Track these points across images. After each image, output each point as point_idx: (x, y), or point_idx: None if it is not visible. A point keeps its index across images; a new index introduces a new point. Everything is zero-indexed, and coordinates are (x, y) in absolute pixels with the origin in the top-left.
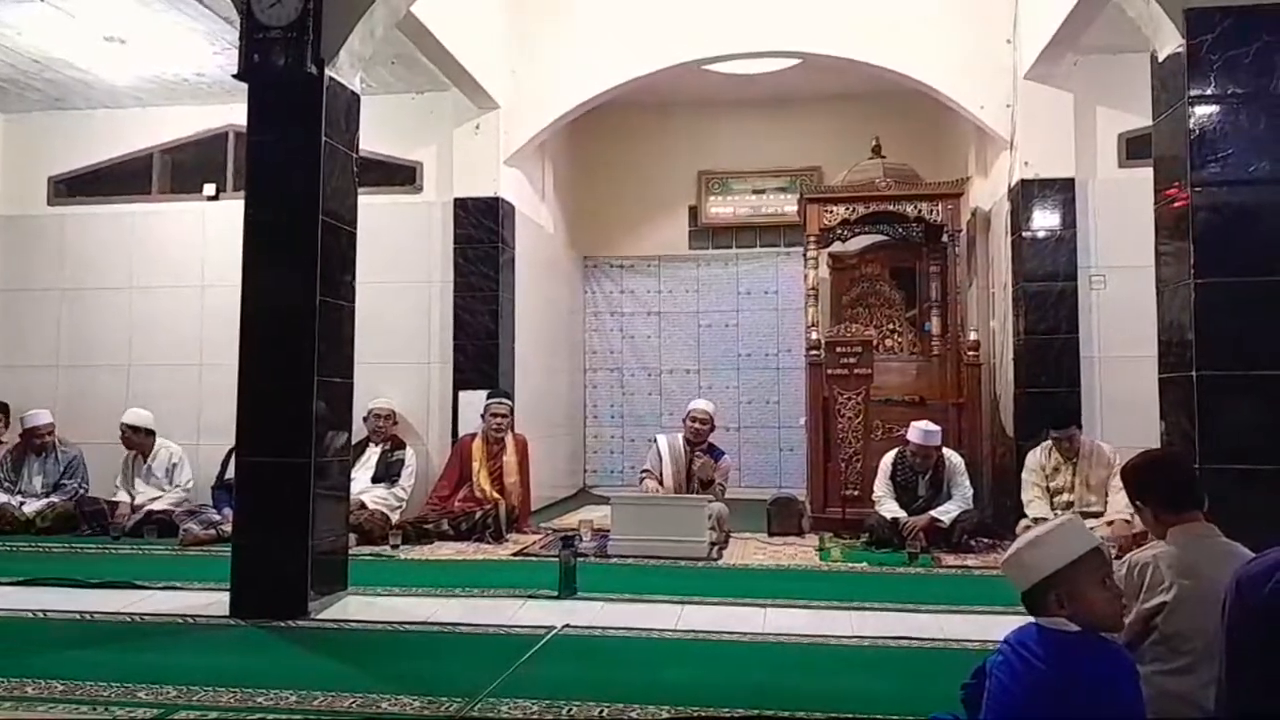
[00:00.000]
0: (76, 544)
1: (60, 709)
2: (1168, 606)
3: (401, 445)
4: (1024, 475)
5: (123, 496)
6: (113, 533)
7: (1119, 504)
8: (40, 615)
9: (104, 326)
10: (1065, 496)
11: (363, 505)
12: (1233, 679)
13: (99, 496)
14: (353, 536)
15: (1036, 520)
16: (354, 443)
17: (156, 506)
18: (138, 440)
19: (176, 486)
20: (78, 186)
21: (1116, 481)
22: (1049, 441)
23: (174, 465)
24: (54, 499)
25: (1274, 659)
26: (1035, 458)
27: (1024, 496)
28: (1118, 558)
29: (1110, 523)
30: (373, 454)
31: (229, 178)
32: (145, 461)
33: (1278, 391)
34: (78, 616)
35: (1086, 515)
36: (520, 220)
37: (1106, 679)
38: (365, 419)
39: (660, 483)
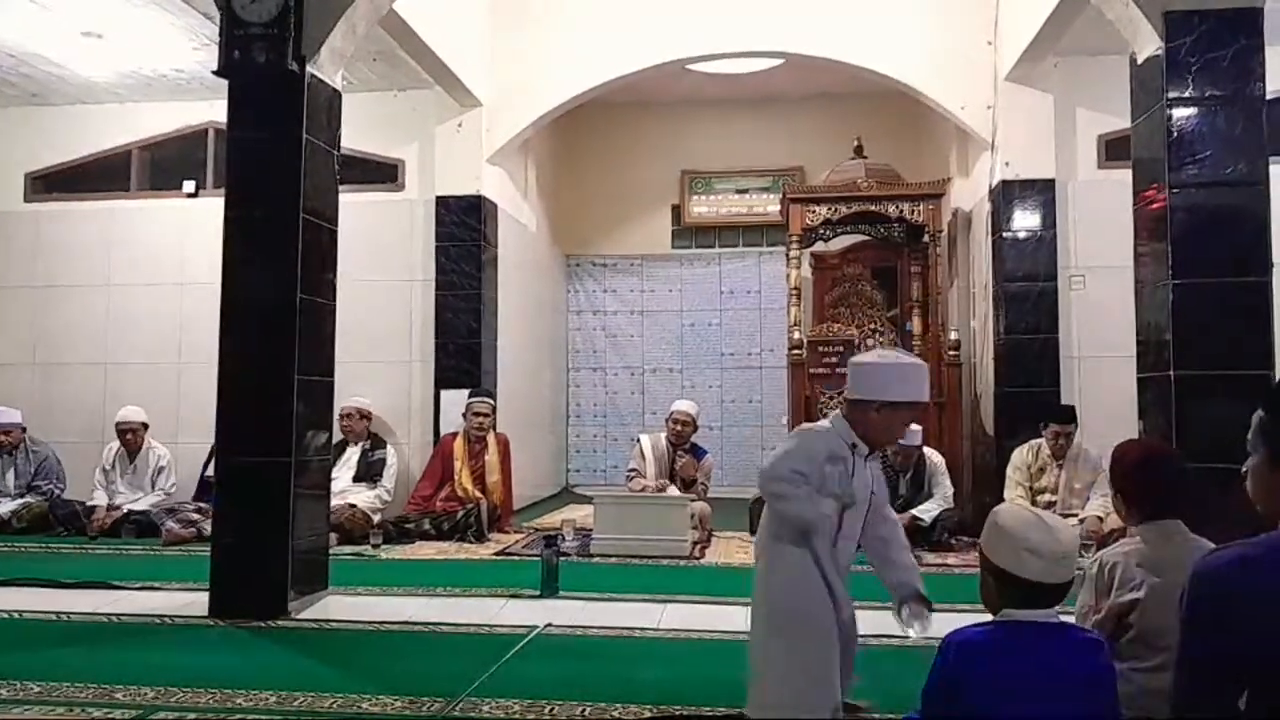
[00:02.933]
0: (53, 544)
1: (36, 710)
2: (1140, 604)
3: (382, 444)
4: (1008, 472)
5: (100, 498)
6: (90, 533)
7: (1095, 504)
8: (15, 616)
9: (80, 325)
10: (1048, 497)
11: (353, 505)
12: (1180, 669)
13: (73, 499)
14: (333, 536)
15: None
16: (334, 442)
17: (137, 507)
18: (138, 435)
19: (159, 490)
20: (55, 183)
21: (1099, 486)
22: (1037, 440)
23: (161, 469)
24: (29, 499)
25: (1221, 653)
26: (1021, 456)
27: (1006, 494)
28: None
29: (1082, 520)
30: (353, 453)
31: (209, 175)
32: (132, 461)
33: (1255, 391)
34: (54, 617)
35: (1065, 517)
36: (503, 219)
37: (1085, 671)
38: (339, 418)
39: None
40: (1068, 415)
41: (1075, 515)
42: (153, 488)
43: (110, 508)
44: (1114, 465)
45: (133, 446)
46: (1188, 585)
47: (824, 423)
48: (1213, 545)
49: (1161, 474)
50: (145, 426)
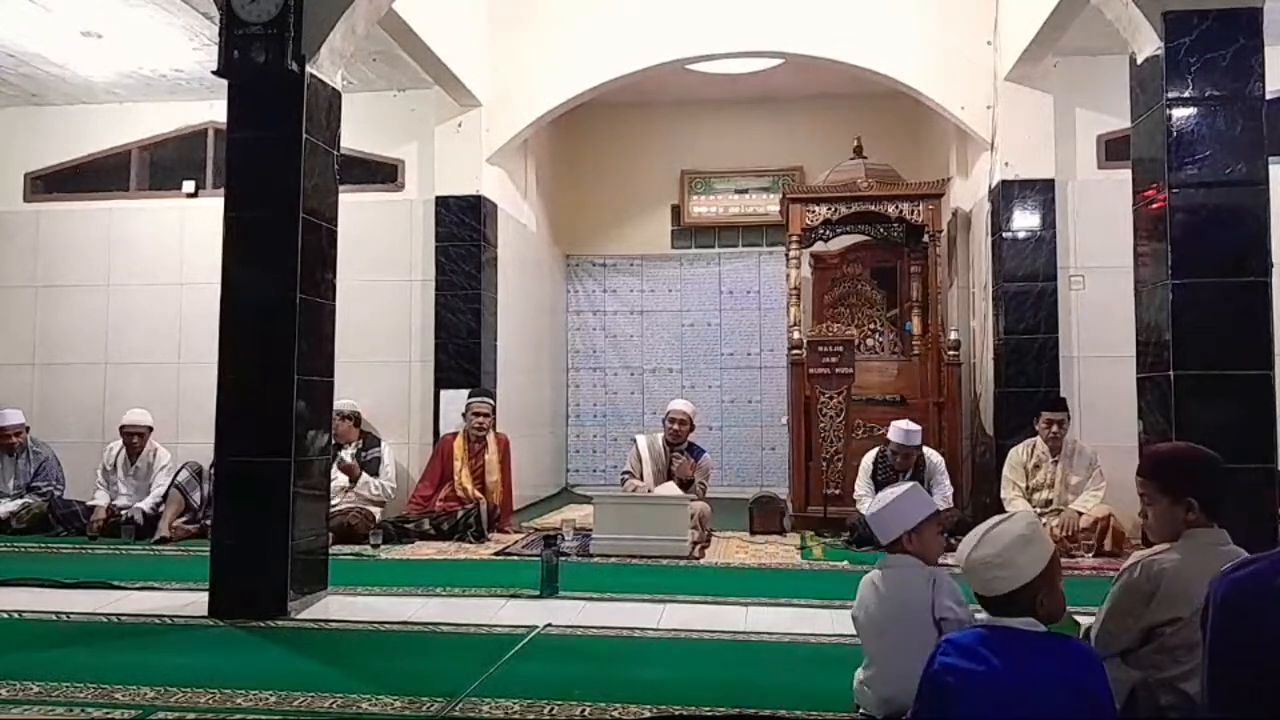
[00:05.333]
0: (52, 544)
1: (36, 710)
2: (1182, 621)
3: (375, 442)
4: (1005, 472)
5: (100, 498)
6: (89, 533)
7: (1081, 500)
8: (15, 616)
9: (80, 325)
10: (1045, 494)
11: (355, 504)
12: (1212, 688)
13: (73, 500)
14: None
15: None
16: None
17: (143, 506)
18: (144, 439)
19: (160, 486)
20: (55, 183)
21: (1092, 482)
22: (1032, 439)
23: (163, 467)
24: (29, 499)
25: (1257, 671)
26: (1016, 455)
27: (1003, 494)
28: (1087, 549)
29: (1058, 511)
30: (347, 455)
31: (209, 175)
32: (134, 463)
33: (1254, 391)
34: (53, 617)
35: (1060, 513)
36: (502, 218)
37: (1077, 678)
38: None
39: (642, 480)
40: (1060, 403)
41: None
42: (150, 490)
43: (110, 509)
44: (1179, 469)
45: (136, 449)
46: (1212, 602)
47: (923, 569)
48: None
49: (1221, 470)
50: (150, 430)
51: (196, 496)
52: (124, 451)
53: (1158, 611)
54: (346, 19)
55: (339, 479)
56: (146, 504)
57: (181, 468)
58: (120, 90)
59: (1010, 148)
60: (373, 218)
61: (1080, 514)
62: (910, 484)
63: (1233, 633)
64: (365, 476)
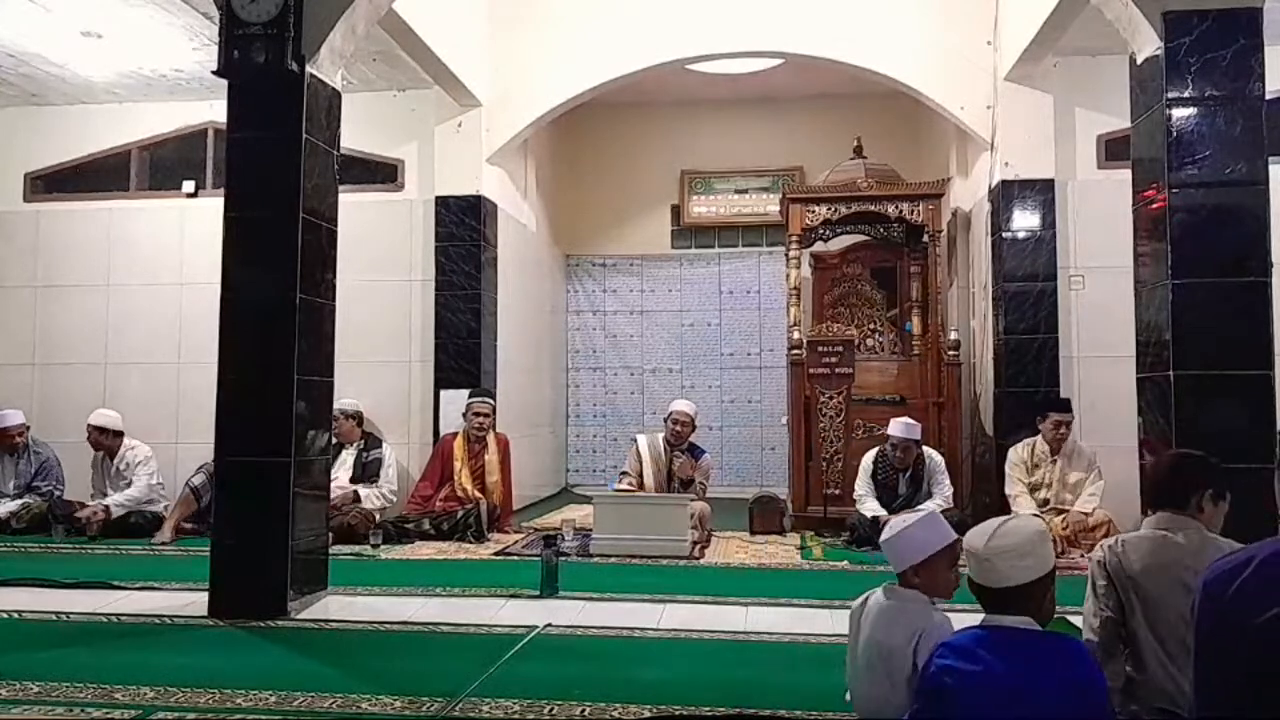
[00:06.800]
0: (52, 544)
1: (36, 710)
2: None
3: (377, 444)
4: (1007, 470)
5: (99, 499)
6: (90, 533)
7: (1083, 500)
8: (15, 616)
9: (80, 324)
10: (1043, 493)
11: (357, 498)
12: (1199, 682)
13: (73, 500)
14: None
15: None
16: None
17: (116, 500)
18: (105, 442)
19: (139, 482)
20: (55, 183)
21: (1091, 481)
22: (1031, 438)
23: (139, 463)
24: (29, 500)
25: (1239, 662)
26: (1017, 453)
27: (1008, 491)
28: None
29: (1056, 510)
30: (348, 456)
31: (209, 175)
32: (113, 463)
33: (1254, 391)
34: (53, 617)
35: (1059, 512)
36: (502, 218)
37: (1075, 677)
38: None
39: (640, 484)
40: (1067, 404)
41: (1068, 510)
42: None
43: (108, 510)
44: (1208, 475)
45: (100, 449)
46: (1198, 593)
47: (917, 615)
48: (1227, 542)
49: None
50: (103, 431)
51: (208, 499)
52: (104, 453)
53: (1127, 589)
54: (346, 19)
55: (338, 478)
56: (112, 500)
57: (198, 470)
58: (120, 90)
59: (1010, 148)
60: (373, 218)
61: (1086, 514)
62: (927, 511)
63: (1217, 622)
64: (364, 490)
